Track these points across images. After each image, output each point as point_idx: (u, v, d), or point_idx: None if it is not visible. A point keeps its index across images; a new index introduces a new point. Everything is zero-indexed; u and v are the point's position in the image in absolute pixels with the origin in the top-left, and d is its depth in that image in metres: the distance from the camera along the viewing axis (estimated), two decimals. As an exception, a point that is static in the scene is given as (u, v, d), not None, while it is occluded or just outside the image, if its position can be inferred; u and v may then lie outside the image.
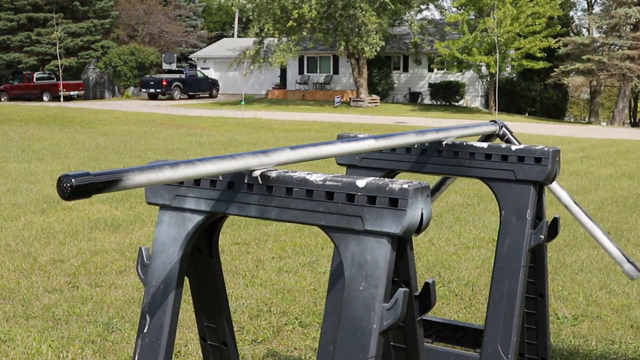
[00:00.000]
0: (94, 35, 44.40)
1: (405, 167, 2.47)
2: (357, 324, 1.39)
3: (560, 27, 35.35)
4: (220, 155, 1.47)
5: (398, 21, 37.98)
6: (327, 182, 1.48)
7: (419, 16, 39.26)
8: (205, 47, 50.58)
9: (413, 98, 38.51)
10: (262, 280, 4.79)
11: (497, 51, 30.79)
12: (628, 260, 2.44)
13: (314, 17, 33.13)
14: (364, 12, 33.15)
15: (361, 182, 1.44)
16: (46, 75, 41.00)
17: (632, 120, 44.47)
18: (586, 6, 43.05)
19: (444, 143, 2.40)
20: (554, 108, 38.44)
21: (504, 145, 2.37)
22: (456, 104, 37.53)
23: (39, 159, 11.95)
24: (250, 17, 36.75)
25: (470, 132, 2.49)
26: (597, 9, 42.14)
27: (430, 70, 39.07)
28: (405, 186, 1.40)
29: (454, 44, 33.38)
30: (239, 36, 53.70)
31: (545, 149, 2.29)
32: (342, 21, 34.10)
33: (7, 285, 4.62)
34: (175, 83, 40.30)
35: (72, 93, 38.98)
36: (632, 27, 37.56)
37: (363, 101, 35.16)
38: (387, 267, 1.39)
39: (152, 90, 39.81)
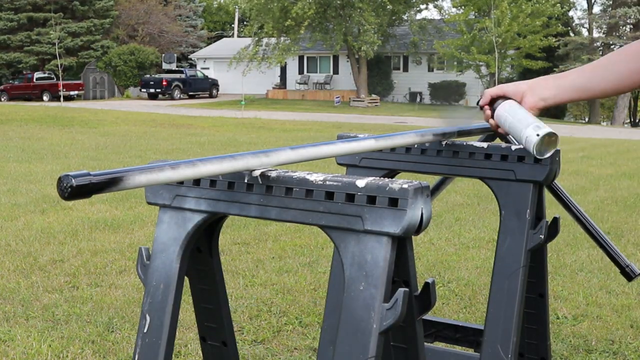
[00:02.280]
0: (94, 35, 44.40)
1: (405, 167, 2.47)
2: (357, 324, 1.39)
3: (560, 26, 35.35)
4: (220, 155, 1.47)
5: (398, 21, 37.99)
6: (327, 182, 1.48)
7: (419, 16, 39.29)
8: (205, 47, 50.57)
9: (413, 98, 38.51)
10: (262, 280, 4.79)
11: (496, 51, 30.80)
12: (625, 263, 2.44)
13: (311, 16, 33.14)
14: (361, 11, 33.16)
15: (361, 182, 1.44)
16: (46, 75, 40.99)
17: (632, 120, 44.46)
18: (586, 6, 43.05)
19: (443, 143, 2.40)
20: (554, 108, 38.40)
21: (504, 145, 2.37)
22: (456, 103, 37.53)
23: (39, 159, 11.95)
24: (248, 16, 36.79)
25: (471, 132, 2.48)
26: (597, 9, 42.15)
27: (430, 70, 39.06)
28: (405, 186, 1.39)
29: (453, 43, 33.41)
30: (239, 36, 53.68)
31: (545, 148, 2.29)
32: (340, 21, 34.10)
33: (7, 285, 4.62)
34: (175, 83, 40.31)
35: (72, 93, 38.98)
36: (632, 27, 37.58)
37: (363, 101, 35.17)
38: (387, 267, 1.39)
39: (152, 90, 39.82)
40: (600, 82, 1.67)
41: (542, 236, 2.31)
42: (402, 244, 1.44)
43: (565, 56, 36.69)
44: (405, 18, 37.80)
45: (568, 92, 1.72)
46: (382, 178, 1.46)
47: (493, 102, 1.79)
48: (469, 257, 5.48)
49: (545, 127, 1.75)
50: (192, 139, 16.40)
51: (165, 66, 43.28)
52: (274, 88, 42.99)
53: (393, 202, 1.40)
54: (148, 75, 41.64)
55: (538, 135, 1.73)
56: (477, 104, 1.90)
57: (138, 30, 47.00)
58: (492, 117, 1.79)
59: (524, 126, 1.75)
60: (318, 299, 4.37)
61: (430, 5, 38.58)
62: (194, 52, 49.62)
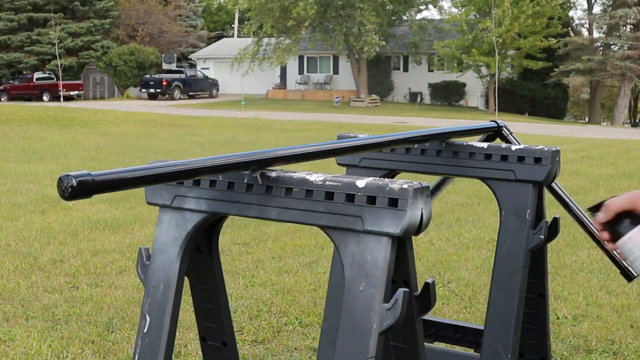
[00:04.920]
0: (94, 35, 44.36)
1: (405, 167, 2.47)
2: (357, 324, 1.39)
3: (560, 27, 35.35)
4: (220, 155, 1.47)
5: (398, 21, 37.99)
6: (327, 182, 1.48)
7: (419, 16, 39.29)
8: (205, 47, 50.55)
9: (413, 98, 38.49)
10: (262, 280, 4.79)
11: (496, 51, 30.80)
12: (623, 265, 2.44)
13: (312, 17, 33.13)
14: (362, 11, 33.15)
15: (361, 182, 1.44)
16: (46, 75, 40.97)
17: (632, 120, 44.44)
18: (586, 6, 43.06)
19: (443, 143, 2.40)
20: (554, 108, 38.43)
21: (504, 145, 2.37)
22: (456, 104, 37.52)
23: (39, 159, 11.95)
24: (249, 16, 36.80)
25: (471, 132, 2.49)
26: (597, 9, 42.15)
27: (430, 70, 39.06)
28: (405, 186, 1.39)
29: (453, 44, 33.41)
30: (239, 36, 53.68)
31: (545, 149, 2.29)
32: (340, 21, 34.10)
33: (7, 285, 4.62)
34: (175, 83, 40.28)
35: (72, 93, 38.95)
36: (632, 27, 37.60)
37: (363, 101, 35.17)
38: (387, 267, 1.39)
39: (152, 90, 39.79)
40: None
41: (542, 236, 2.31)
42: (402, 244, 1.44)
43: (565, 56, 36.68)
44: (405, 18, 37.79)
45: None
46: (382, 178, 1.46)
47: (617, 219, 1.34)
48: (469, 257, 5.48)
49: None
50: (192, 139, 16.41)
51: (165, 66, 43.26)
52: (274, 88, 42.97)
53: (393, 202, 1.40)
54: (148, 76, 41.61)
55: None
56: (589, 209, 1.43)
57: (138, 30, 46.95)
58: (614, 240, 1.34)
59: None
60: (318, 299, 4.36)
61: (430, 5, 38.56)
62: (194, 52, 49.59)
